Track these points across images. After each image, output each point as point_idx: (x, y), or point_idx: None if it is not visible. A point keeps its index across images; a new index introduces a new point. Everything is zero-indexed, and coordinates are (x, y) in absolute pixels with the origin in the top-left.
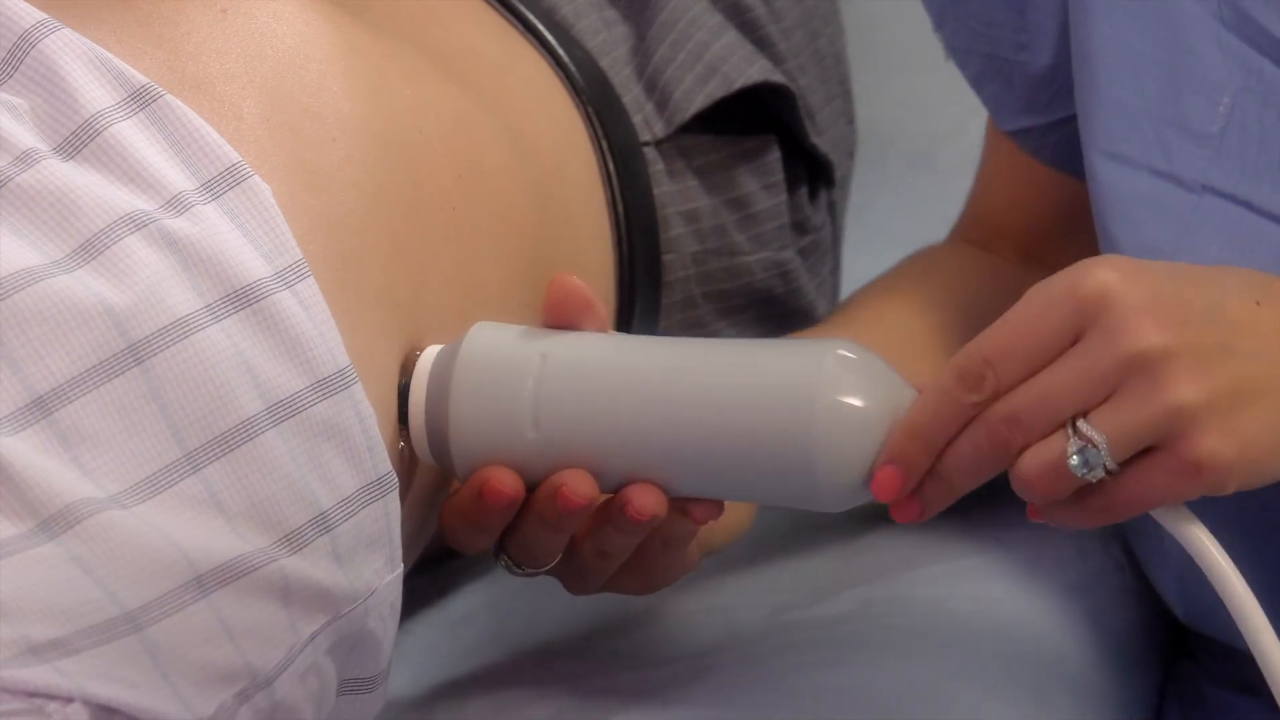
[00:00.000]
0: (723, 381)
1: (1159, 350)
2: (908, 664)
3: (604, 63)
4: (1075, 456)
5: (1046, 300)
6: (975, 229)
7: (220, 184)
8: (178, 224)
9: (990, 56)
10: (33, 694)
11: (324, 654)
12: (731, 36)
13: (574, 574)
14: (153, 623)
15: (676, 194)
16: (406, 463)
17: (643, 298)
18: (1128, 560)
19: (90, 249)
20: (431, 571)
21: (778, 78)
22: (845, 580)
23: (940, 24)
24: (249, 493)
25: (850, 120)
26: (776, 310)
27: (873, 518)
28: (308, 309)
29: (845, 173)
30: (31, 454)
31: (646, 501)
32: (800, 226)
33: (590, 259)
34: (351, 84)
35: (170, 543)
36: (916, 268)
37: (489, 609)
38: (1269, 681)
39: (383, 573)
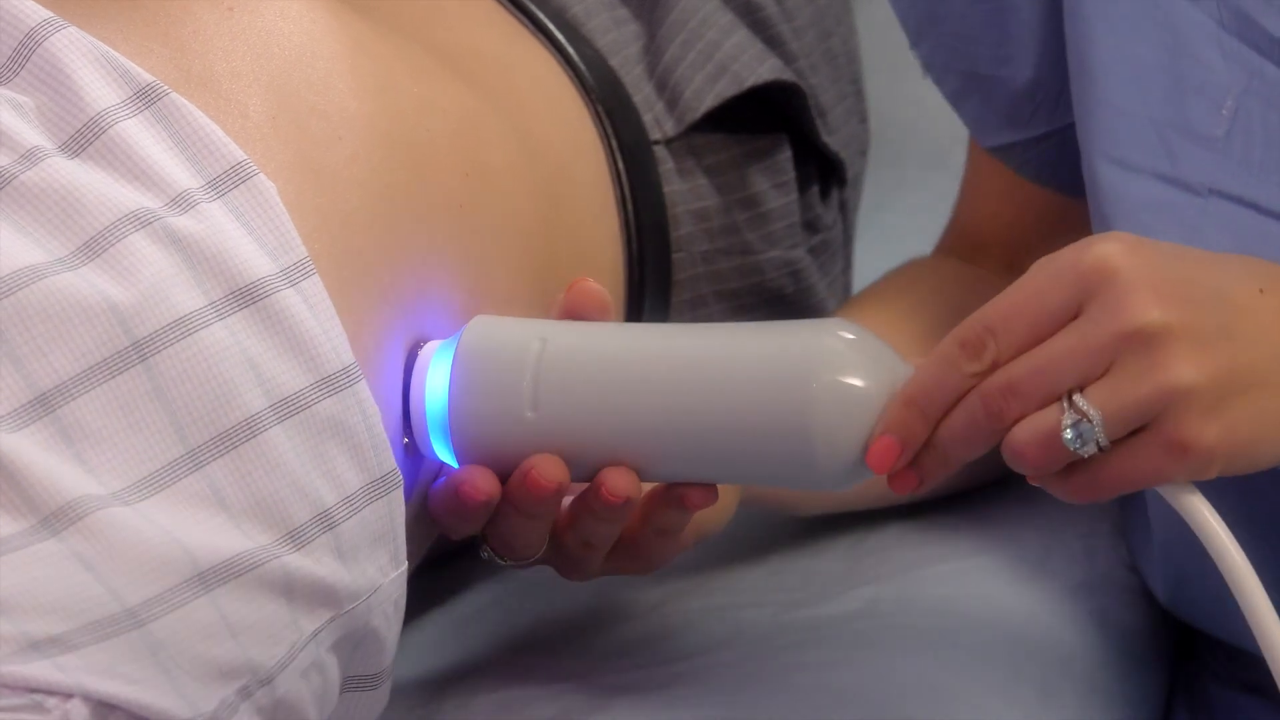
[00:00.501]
0: (722, 362)
1: (1159, 327)
2: (914, 663)
3: (614, 61)
4: (1069, 430)
5: (1051, 272)
6: (959, 243)
7: (225, 182)
8: (182, 222)
9: (969, 73)
10: (32, 690)
11: (327, 651)
12: (742, 35)
13: (564, 562)
14: (154, 619)
15: (687, 193)
16: (411, 459)
17: (652, 296)
18: (1135, 560)
19: (94, 246)
20: (440, 569)
21: (788, 76)
22: (852, 579)
23: (917, 41)
24: (252, 490)
25: (863, 119)
26: (787, 309)
27: (880, 516)
28: (312, 307)
29: (857, 172)
30: (34, 451)
31: (619, 483)
32: (811, 225)
33: (599, 258)
34: (358, 82)
35: (172, 539)
36: (902, 280)
37: (497, 606)
38: (1265, 653)
39: (387, 570)
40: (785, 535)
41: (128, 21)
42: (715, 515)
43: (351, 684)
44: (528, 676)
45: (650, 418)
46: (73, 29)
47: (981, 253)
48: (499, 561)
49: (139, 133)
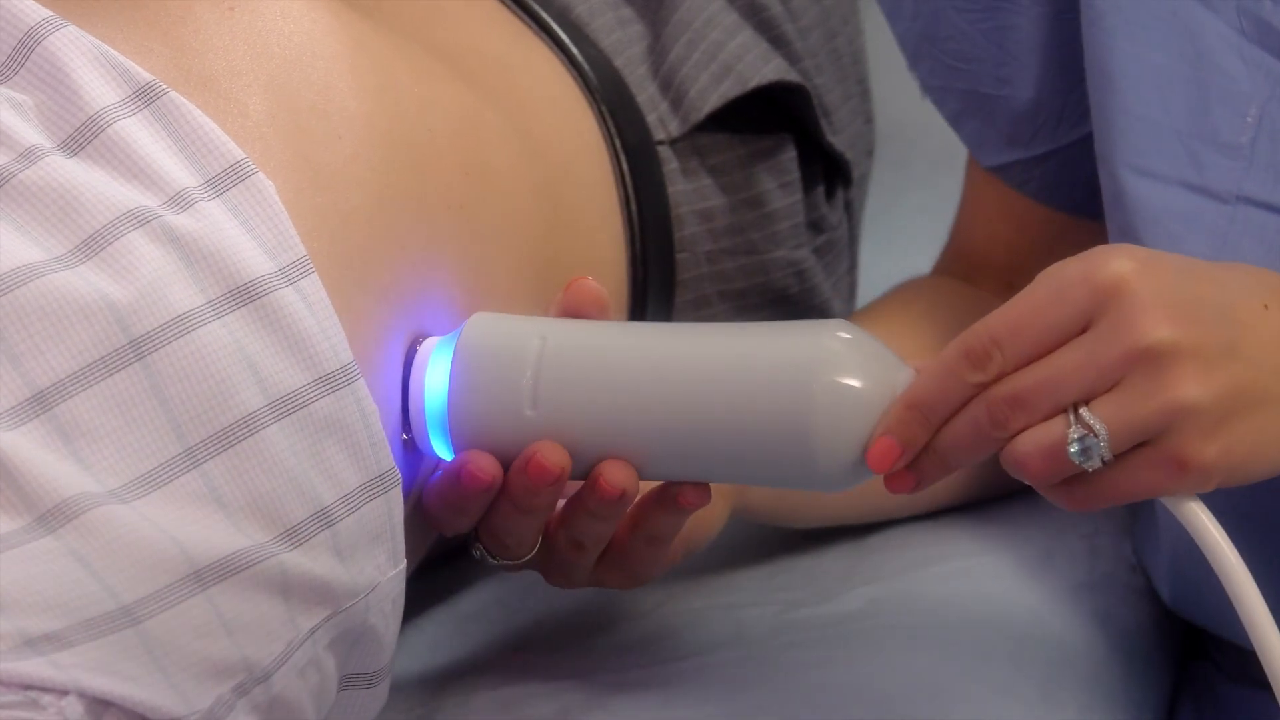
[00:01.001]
0: (722, 361)
1: (1168, 345)
2: (916, 662)
3: (618, 62)
4: (1075, 444)
5: (1059, 285)
6: (957, 263)
7: (224, 180)
8: (181, 220)
9: (969, 93)
10: (27, 686)
11: (324, 649)
12: (747, 35)
13: (553, 566)
14: (150, 616)
15: (691, 193)
16: (410, 456)
17: (656, 296)
18: (1140, 560)
19: (92, 245)
20: (440, 568)
21: (793, 76)
22: (854, 578)
23: (915, 62)
24: (249, 488)
25: (868, 119)
26: (792, 309)
27: None
28: (311, 305)
29: (863, 172)
30: (31, 448)
31: (617, 475)
32: (816, 225)
33: (602, 258)
34: (358, 82)
35: (169, 537)
36: (900, 299)
37: (498, 605)
38: (1260, 657)
39: (385, 568)
40: (787, 535)
41: (128, 21)
42: (704, 528)
43: (349, 682)
44: (528, 674)
45: (649, 416)
46: (72, 28)
47: (979, 272)
48: (490, 560)
49: (138, 131)
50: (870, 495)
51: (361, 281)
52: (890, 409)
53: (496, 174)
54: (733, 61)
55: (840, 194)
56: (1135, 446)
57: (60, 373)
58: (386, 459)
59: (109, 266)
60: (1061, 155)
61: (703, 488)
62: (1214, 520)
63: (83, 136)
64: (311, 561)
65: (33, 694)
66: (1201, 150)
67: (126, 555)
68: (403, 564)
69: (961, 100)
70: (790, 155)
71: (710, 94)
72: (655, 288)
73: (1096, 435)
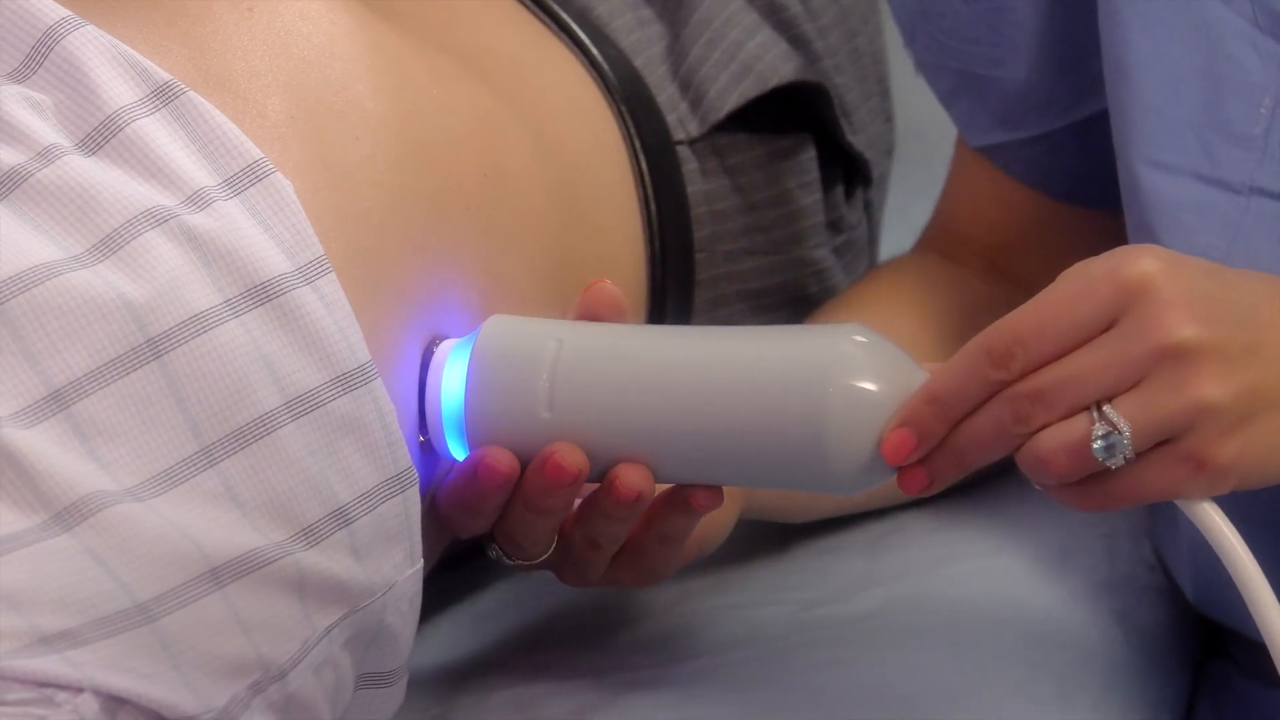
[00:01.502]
0: (738, 364)
1: (1192, 344)
2: (932, 662)
3: (638, 62)
4: (1099, 441)
5: (1085, 283)
6: (941, 239)
7: (242, 180)
8: (198, 219)
9: (963, 72)
10: (43, 684)
11: (340, 647)
12: (766, 35)
13: (568, 566)
14: (165, 614)
15: (710, 193)
16: (426, 457)
17: (675, 296)
18: (1158, 559)
19: (110, 244)
20: (457, 567)
21: (812, 76)
22: (870, 578)
23: (910, 39)
24: (266, 487)
25: (888, 119)
26: (811, 309)
27: (898, 514)
28: (328, 305)
29: (883, 171)
30: (47, 446)
31: (633, 477)
32: (835, 225)
33: (620, 258)
34: (376, 82)
35: (185, 536)
36: (883, 284)
37: (515, 605)
38: (1275, 660)
39: (402, 567)
40: (803, 534)
41: (146, 20)
42: (716, 528)
43: (366, 681)
44: (543, 673)
45: (665, 419)
46: (90, 27)
47: (963, 249)
48: (506, 561)
49: (156, 130)
50: (881, 488)
51: (378, 281)
52: (908, 401)
53: (513, 174)
54: (752, 61)
55: (860, 194)
56: (1153, 446)
57: (77, 371)
58: (404, 458)
59: (126, 265)
60: (1050, 140)
61: (715, 490)
62: (1228, 521)
63: (101, 136)
64: (328, 560)
65: (48, 691)
66: (1215, 141)
67: (142, 553)
68: (420, 563)
69: (954, 79)
70: (810, 155)
71: (730, 94)
72: (674, 287)
73: (1121, 432)
